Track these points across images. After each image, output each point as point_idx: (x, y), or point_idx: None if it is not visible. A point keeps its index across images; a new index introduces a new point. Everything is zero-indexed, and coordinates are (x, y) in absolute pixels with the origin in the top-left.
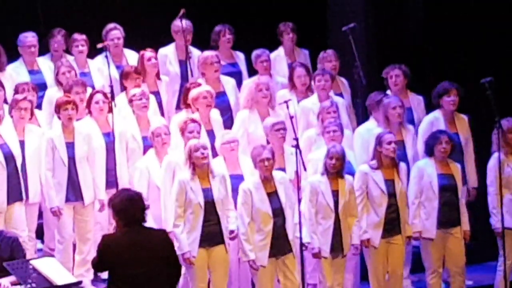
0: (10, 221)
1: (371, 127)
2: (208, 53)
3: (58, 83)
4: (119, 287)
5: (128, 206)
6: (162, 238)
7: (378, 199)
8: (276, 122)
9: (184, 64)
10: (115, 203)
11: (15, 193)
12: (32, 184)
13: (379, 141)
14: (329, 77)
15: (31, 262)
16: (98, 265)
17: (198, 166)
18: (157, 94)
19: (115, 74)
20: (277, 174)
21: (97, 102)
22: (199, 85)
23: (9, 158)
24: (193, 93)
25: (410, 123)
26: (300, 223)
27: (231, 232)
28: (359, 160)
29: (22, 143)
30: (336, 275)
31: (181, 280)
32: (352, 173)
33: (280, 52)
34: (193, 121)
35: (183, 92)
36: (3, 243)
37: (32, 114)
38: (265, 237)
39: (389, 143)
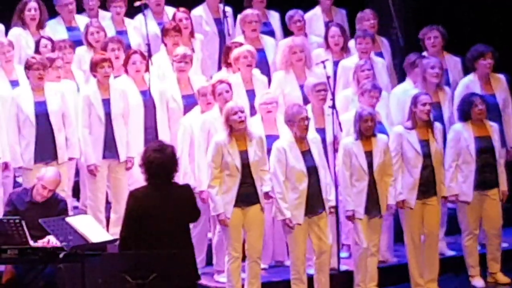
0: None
1: (408, 88)
2: (248, 11)
3: (87, 43)
4: (141, 242)
5: (155, 163)
6: (186, 195)
7: (413, 160)
8: (317, 83)
9: (219, 22)
10: (144, 156)
11: (48, 153)
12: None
13: (414, 101)
14: (370, 39)
15: (66, 219)
16: (125, 229)
17: (235, 129)
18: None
19: (156, 30)
20: (310, 134)
21: (134, 63)
22: (241, 44)
23: (42, 116)
24: (234, 52)
25: (446, 85)
26: (336, 185)
27: (266, 194)
28: (394, 121)
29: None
30: (372, 236)
31: (216, 238)
32: (384, 133)
33: (317, 11)
34: (221, 82)
35: (224, 51)
36: (54, 203)
37: (67, 71)
38: (299, 195)
39: (424, 104)
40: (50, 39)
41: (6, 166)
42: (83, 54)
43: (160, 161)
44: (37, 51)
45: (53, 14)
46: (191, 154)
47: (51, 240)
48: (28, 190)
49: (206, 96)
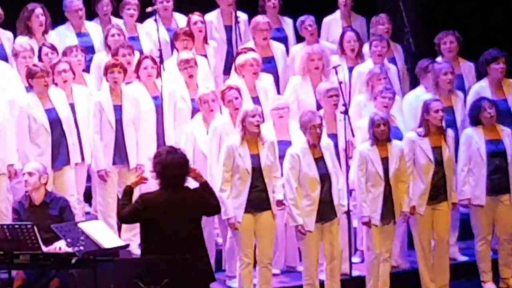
0: (59, 186)
1: (420, 94)
2: (259, 18)
3: (107, 46)
4: (153, 246)
5: (168, 163)
6: (198, 199)
7: (425, 167)
8: (329, 88)
9: (229, 29)
10: (156, 161)
11: (62, 157)
12: (85, 145)
13: (426, 108)
14: (386, 44)
15: (79, 225)
16: (126, 217)
17: (249, 132)
18: (204, 57)
19: (166, 36)
20: (322, 140)
21: (145, 68)
22: (251, 49)
23: (55, 123)
24: (239, 59)
25: (461, 90)
26: (348, 190)
27: (278, 202)
28: (407, 127)
29: (72, 106)
30: (385, 242)
31: (227, 244)
32: (400, 139)
33: (336, 15)
34: (230, 88)
35: (235, 57)
36: (52, 203)
37: (76, 75)
38: (312, 202)
39: (437, 111)
40: (52, 47)
41: (16, 172)
42: (102, 59)
43: (171, 164)
44: (40, 58)
45: (61, 20)
46: (194, 161)
47: (62, 247)
48: (26, 196)
49: (207, 103)
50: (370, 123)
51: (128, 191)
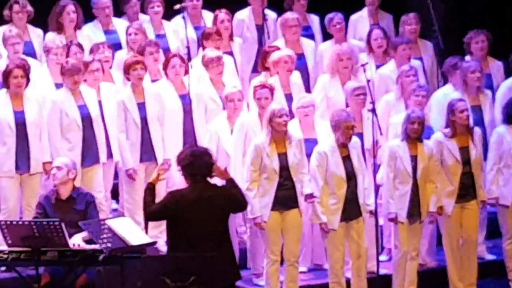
0: (87, 182)
1: (448, 92)
2: (288, 14)
3: (128, 45)
4: (180, 244)
5: (193, 161)
6: (227, 196)
7: (453, 167)
8: (356, 87)
9: (260, 28)
10: (181, 158)
11: (92, 155)
12: (112, 143)
13: (451, 109)
14: (410, 45)
15: (106, 222)
16: (154, 214)
17: (277, 131)
18: (230, 54)
19: (193, 35)
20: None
21: (173, 66)
22: (278, 48)
23: (86, 120)
24: (273, 56)
25: (489, 89)
26: (377, 190)
27: (307, 196)
28: (435, 126)
29: (99, 103)
30: (413, 240)
31: (248, 242)
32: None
33: (363, 13)
34: (263, 86)
35: (261, 55)
36: (79, 198)
37: (104, 72)
38: (338, 201)
39: (462, 111)
40: (79, 45)
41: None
42: (123, 58)
43: (196, 162)
44: (67, 55)
45: (90, 17)
46: (217, 160)
47: (76, 242)
48: (53, 190)
49: (233, 102)
50: (405, 118)
51: (151, 188)
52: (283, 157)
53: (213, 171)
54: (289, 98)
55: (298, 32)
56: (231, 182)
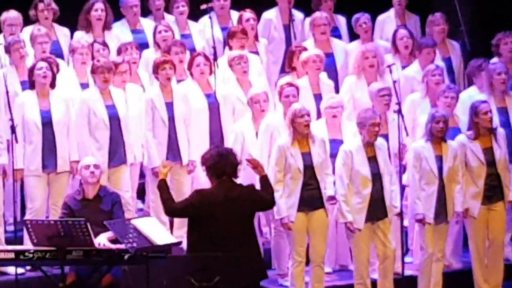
0: (114, 182)
1: (473, 94)
2: (317, 14)
3: (156, 43)
4: (203, 243)
5: (218, 161)
6: (253, 196)
7: (477, 169)
8: (381, 88)
9: (288, 28)
10: (206, 158)
11: (120, 155)
12: (137, 143)
13: (475, 111)
14: (434, 48)
15: (132, 221)
16: (177, 211)
17: (299, 131)
18: (256, 54)
19: (219, 35)
20: (377, 140)
21: (198, 65)
22: (304, 48)
23: (114, 120)
24: (302, 56)
25: None
26: (403, 191)
27: (329, 197)
28: (461, 127)
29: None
30: (438, 241)
31: (273, 242)
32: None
33: (390, 13)
34: (290, 85)
35: (288, 55)
36: (105, 197)
37: (131, 73)
38: (362, 200)
39: (485, 113)
40: (103, 43)
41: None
42: (150, 57)
43: (222, 162)
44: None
45: (118, 17)
46: (241, 162)
47: (101, 242)
48: (79, 190)
49: (259, 103)
50: (430, 118)
51: (164, 185)
52: (307, 156)
53: (250, 164)
54: (318, 98)
55: (327, 32)
56: (265, 178)
